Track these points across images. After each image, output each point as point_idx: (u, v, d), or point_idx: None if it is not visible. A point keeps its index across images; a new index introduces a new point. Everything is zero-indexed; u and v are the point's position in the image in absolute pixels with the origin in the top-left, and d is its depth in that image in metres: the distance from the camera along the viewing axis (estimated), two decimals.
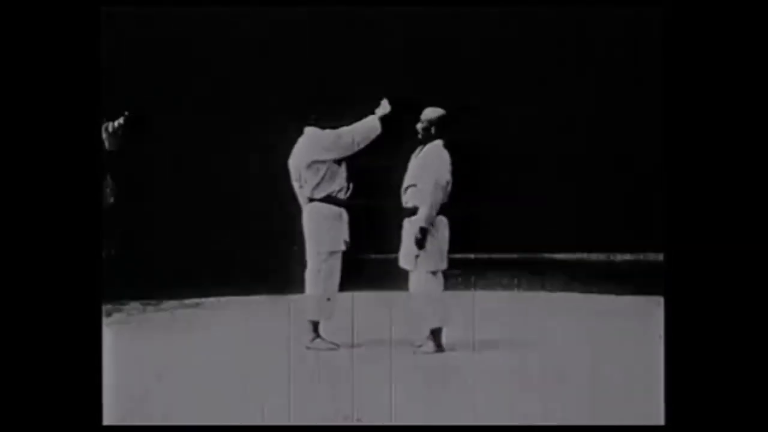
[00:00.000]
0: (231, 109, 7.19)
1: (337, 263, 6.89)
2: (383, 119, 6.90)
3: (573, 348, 6.61)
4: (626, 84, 7.27)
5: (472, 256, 7.51)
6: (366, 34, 7.27)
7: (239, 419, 5.94)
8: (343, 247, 6.91)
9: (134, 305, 7.38)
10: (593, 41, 7.27)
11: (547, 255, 7.58)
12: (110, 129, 7.37)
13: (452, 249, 6.80)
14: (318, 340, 6.86)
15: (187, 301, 7.38)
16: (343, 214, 6.92)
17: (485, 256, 7.54)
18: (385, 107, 6.93)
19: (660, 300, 5.84)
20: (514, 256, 7.56)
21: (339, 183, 6.90)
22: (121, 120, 7.37)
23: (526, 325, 6.83)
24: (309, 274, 6.88)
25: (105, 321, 6.86)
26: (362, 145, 6.88)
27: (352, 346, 6.68)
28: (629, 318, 6.87)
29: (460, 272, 7.29)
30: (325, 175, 6.87)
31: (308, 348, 6.84)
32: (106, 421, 5.83)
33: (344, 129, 6.87)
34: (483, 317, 6.77)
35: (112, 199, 7.49)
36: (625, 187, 7.35)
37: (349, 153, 6.88)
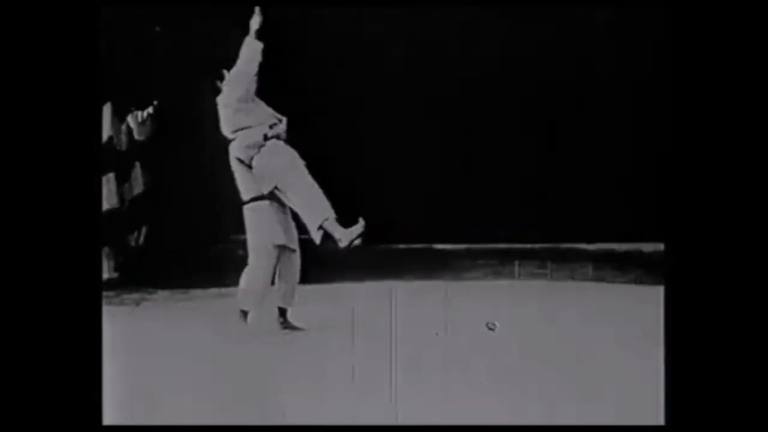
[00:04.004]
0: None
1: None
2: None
3: (572, 346, 6.52)
4: (626, 82, 7.15)
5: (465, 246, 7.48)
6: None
7: (240, 418, 5.97)
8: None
9: (163, 294, 7.44)
10: (595, 38, 7.16)
11: (548, 245, 7.48)
12: (139, 118, 7.42)
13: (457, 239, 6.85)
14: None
15: (214, 291, 7.40)
16: None
17: (483, 246, 7.48)
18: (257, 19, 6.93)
19: (660, 291, 5.74)
20: (513, 246, 7.48)
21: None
22: (150, 109, 7.42)
23: (524, 320, 6.74)
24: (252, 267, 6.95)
25: (133, 309, 6.98)
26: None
27: (353, 339, 6.66)
28: (629, 313, 6.74)
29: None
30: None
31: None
32: (106, 420, 5.89)
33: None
34: (482, 309, 6.72)
35: (141, 188, 7.55)
36: (626, 178, 7.23)
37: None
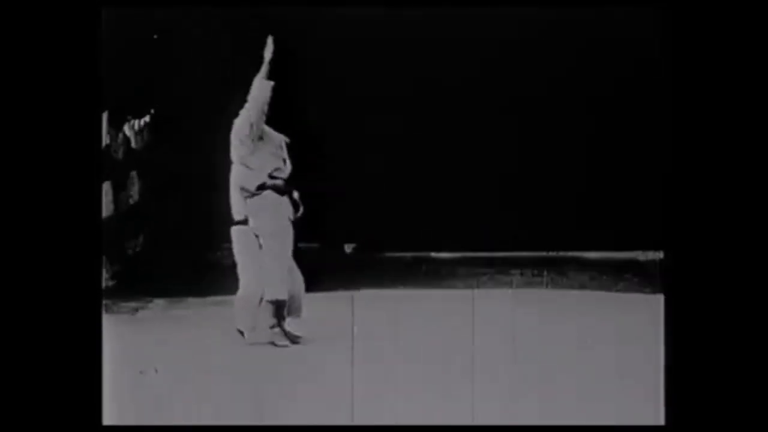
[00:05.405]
0: (233, 109, 7.18)
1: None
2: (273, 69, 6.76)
3: (572, 346, 6.53)
4: (627, 84, 7.18)
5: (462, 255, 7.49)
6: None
7: (240, 419, 5.96)
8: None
9: (160, 302, 7.43)
10: (593, 40, 7.20)
11: (545, 253, 7.50)
12: (136, 127, 7.43)
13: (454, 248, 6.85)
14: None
15: (211, 299, 7.39)
16: None
17: (484, 254, 7.50)
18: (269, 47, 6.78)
19: (659, 298, 5.75)
20: (512, 254, 7.49)
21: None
22: (146, 118, 7.42)
23: (524, 324, 6.75)
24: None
25: (131, 318, 6.96)
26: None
27: (352, 345, 6.66)
28: (629, 316, 6.75)
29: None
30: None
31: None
32: (106, 421, 5.87)
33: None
34: (481, 316, 6.72)
35: (137, 197, 7.55)
36: (625, 186, 7.26)
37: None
